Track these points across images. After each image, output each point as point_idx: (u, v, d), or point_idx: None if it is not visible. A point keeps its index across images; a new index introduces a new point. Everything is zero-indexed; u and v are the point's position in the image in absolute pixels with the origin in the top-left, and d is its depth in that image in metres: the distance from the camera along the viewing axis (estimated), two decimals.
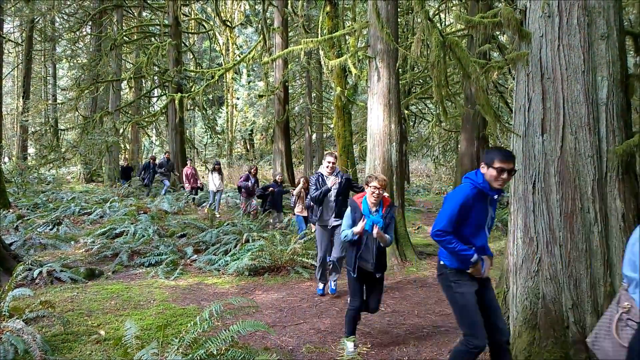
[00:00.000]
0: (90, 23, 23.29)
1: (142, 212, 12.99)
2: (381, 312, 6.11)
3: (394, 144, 8.76)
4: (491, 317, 3.53)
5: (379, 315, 5.99)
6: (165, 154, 18.80)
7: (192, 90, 20.40)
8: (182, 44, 22.86)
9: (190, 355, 3.89)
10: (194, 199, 15.96)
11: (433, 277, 7.82)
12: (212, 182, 14.32)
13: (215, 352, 3.96)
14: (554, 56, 4.29)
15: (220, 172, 14.49)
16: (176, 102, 16.71)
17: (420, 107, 25.92)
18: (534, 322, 4.19)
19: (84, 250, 9.16)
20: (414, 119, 25.23)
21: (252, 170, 12.83)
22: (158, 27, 23.04)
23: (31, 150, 28.87)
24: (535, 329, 4.16)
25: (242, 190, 12.65)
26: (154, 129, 30.67)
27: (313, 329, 5.50)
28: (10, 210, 12.22)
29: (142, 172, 18.21)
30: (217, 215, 13.39)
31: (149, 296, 6.60)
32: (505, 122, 4.80)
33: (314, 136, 25.59)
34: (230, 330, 4.13)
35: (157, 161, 18.53)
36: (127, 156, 25.20)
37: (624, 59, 4.31)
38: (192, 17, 27.65)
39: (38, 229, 10.80)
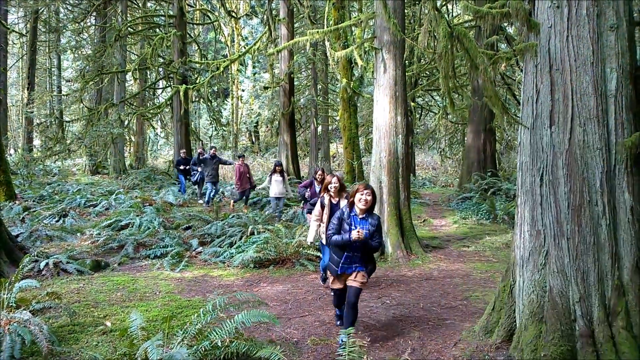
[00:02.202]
0: (94, 14, 23.24)
1: (147, 204, 13.03)
2: (386, 304, 6.11)
3: (400, 136, 8.73)
4: None
5: (384, 307, 5.99)
6: (211, 149, 15.03)
7: (197, 81, 20.37)
8: (187, 35, 22.79)
9: (195, 347, 3.91)
10: (246, 201, 13.71)
11: (439, 269, 7.81)
12: (274, 186, 11.79)
13: (219, 344, 3.97)
14: (563, 47, 4.24)
15: (282, 174, 11.95)
16: (181, 93, 16.66)
17: (426, 100, 25.82)
18: (541, 315, 4.17)
19: (89, 242, 9.20)
20: (420, 111, 25.12)
21: (318, 176, 8.66)
22: (163, 17, 22.99)
23: (36, 142, 28.95)
24: (541, 322, 4.14)
25: (304, 202, 9.29)
26: (159, 121, 30.69)
27: (318, 321, 5.50)
28: (17, 202, 12.27)
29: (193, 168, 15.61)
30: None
31: (155, 288, 6.62)
32: (513, 114, 4.75)
33: (319, 128, 25.52)
34: (234, 321, 4.14)
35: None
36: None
37: (633, 50, 4.25)
38: (197, 7, 27.55)
39: (44, 221, 10.85)
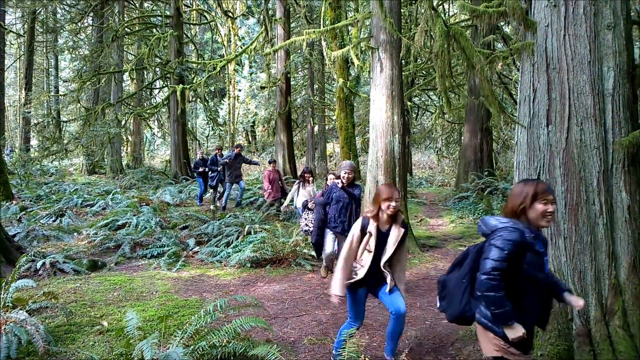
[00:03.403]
0: (91, 14, 23.21)
1: (144, 203, 12.99)
2: (383, 304, 6.10)
3: (397, 135, 8.72)
4: None
5: (381, 307, 5.98)
6: (236, 148, 13.60)
7: (194, 81, 20.33)
8: (184, 35, 22.77)
9: (192, 347, 3.89)
10: (278, 212, 11.68)
11: (435, 269, 7.81)
12: (302, 197, 9.18)
13: (216, 344, 3.96)
14: (560, 46, 4.24)
15: (310, 182, 9.48)
16: (178, 93, 16.63)
17: (423, 99, 25.83)
18: None
19: (86, 241, 9.18)
20: (417, 111, 25.15)
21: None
22: (160, 18, 22.96)
23: (34, 142, 28.87)
24: None
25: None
26: (155, 121, 30.62)
27: (315, 321, 5.49)
28: (14, 201, 12.23)
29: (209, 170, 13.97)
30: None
31: (152, 287, 6.60)
32: (510, 114, 4.75)
33: (316, 128, 25.52)
34: (232, 324, 4.14)
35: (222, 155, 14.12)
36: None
37: (630, 49, 4.25)
38: (194, 7, 27.52)
39: (41, 221, 10.82)
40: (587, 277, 4.06)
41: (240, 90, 36.69)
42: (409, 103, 19.85)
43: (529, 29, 4.45)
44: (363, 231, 3.91)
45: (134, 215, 10.91)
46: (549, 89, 4.28)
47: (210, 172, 13.82)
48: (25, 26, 26.68)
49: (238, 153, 13.28)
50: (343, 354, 3.76)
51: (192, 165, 15.12)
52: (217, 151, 14.21)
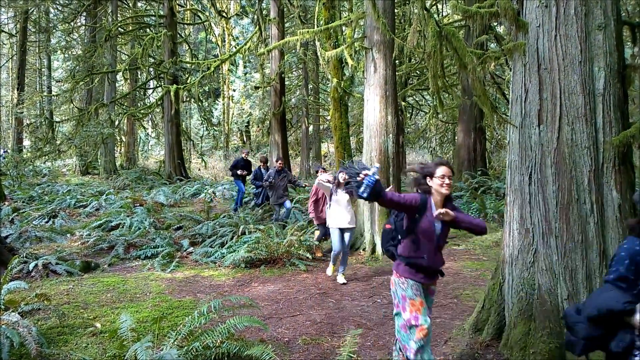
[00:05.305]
0: (84, 14, 23.11)
1: (138, 204, 12.95)
2: (377, 304, 6.12)
3: (391, 135, 8.74)
4: None
5: (375, 307, 6.00)
6: (277, 161, 11.41)
7: (188, 81, 20.29)
8: (178, 35, 22.70)
9: (185, 348, 3.89)
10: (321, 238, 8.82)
11: None
12: (336, 209, 7.08)
13: (210, 345, 3.96)
14: (551, 46, 4.27)
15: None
16: (172, 93, 16.56)
17: (417, 99, 25.87)
18: (530, 313, 4.20)
19: (79, 242, 9.14)
20: (411, 111, 25.16)
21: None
22: (153, 17, 22.89)
23: (26, 142, 28.71)
24: (530, 320, 4.17)
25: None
26: (149, 121, 30.52)
27: (309, 321, 5.50)
28: (6, 202, 12.16)
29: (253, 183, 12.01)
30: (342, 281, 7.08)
31: (145, 289, 6.58)
32: (502, 113, 4.78)
33: (310, 128, 25.52)
34: (226, 324, 4.14)
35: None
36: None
37: (621, 49, 4.29)
38: (188, 7, 27.43)
39: (34, 222, 10.77)
40: (578, 275, 4.09)
41: (234, 91, 36.61)
42: (402, 103, 19.88)
43: (520, 29, 4.47)
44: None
45: (128, 216, 10.88)
46: (541, 89, 4.31)
47: (255, 189, 12.05)
48: (18, 26, 26.53)
49: (280, 167, 10.92)
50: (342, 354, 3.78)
51: (232, 163, 13.04)
52: (261, 164, 12.04)
